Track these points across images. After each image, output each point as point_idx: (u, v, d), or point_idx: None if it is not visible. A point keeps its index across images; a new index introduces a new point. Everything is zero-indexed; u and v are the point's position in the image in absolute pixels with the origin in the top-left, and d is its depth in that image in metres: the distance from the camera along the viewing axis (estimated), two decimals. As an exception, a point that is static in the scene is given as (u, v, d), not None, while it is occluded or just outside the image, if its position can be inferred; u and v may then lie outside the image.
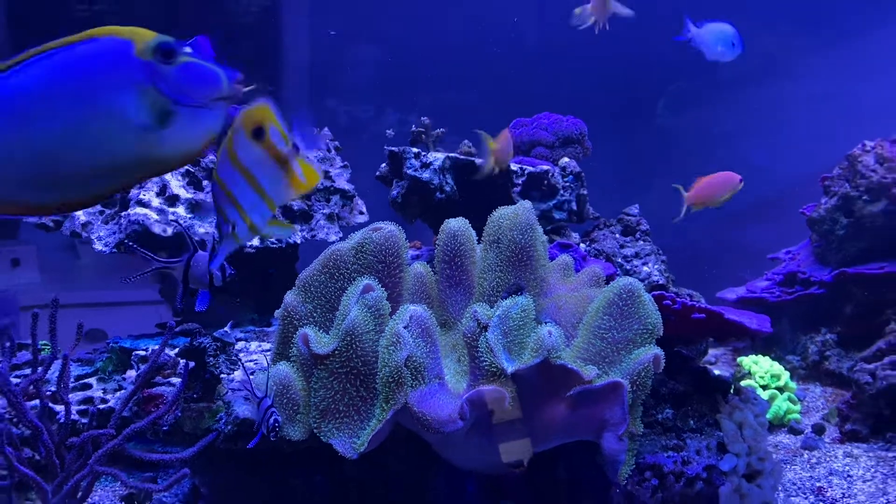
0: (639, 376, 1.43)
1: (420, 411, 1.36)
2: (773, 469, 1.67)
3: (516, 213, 1.62)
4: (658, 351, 1.45)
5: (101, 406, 1.68)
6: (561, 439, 1.50)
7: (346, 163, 2.39)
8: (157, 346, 1.86)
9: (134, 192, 1.95)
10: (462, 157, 2.06)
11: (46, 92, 0.83)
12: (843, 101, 3.42)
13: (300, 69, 3.93)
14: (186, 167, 2.03)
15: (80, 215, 1.97)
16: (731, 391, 1.72)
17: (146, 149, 0.85)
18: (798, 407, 2.15)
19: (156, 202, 1.92)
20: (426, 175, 2.01)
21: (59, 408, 1.62)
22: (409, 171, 2.05)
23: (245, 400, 1.54)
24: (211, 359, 1.51)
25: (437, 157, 2.04)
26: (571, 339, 1.54)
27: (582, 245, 2.02)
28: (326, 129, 2.48)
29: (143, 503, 1.62)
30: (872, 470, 1.80)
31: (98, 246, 1.91)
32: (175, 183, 1.97)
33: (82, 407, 1.69)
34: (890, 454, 1.87)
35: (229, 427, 1.49)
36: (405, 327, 1.38)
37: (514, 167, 2.06)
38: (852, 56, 3.45)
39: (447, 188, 2.02)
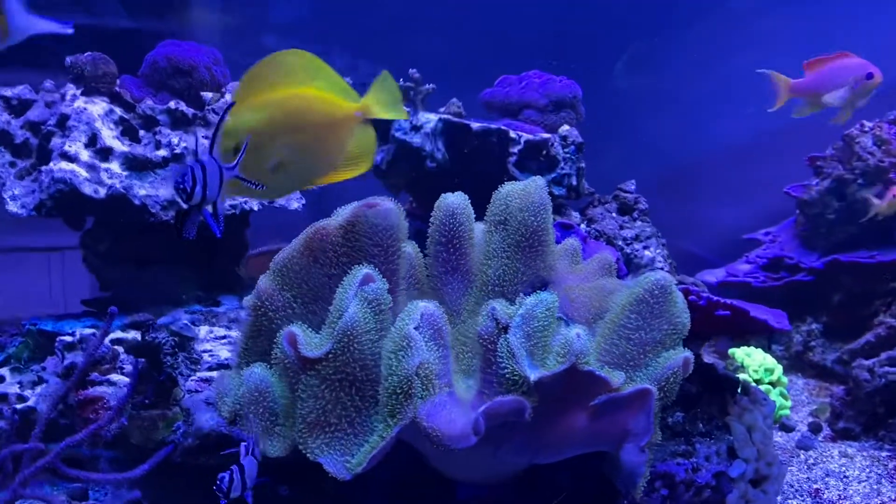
0: (667, 382, 1.29)
1: (430, 426, 1.15)
2: (780, 474, 1.58)
3: (527, 191, 1.41)
4: (688, 354, 1.30)
5: (19, 406, 1.37)
6: (576, 451, 1.34)
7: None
8: (85, 330, 1.56)
9: (56, 141, 1.59)
10: (455, 118, 1.79)
11: None
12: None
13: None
14: (120, 114, 1.68)
15: (-13, 168, 1.59)
16: (739, 390, 1.60)
17: None
18: (789, 402, 2.07)
19: (84, 155, 1.56)
20: (417, 140, 1.73)
21: (-34, 409, 1.32)
22: (398, 135, 1.76)
23: (208, 405, 1.29)
24: (168, 358, 1.24)
25: (429, 118, 1.76)
26: (590, 337, 1.37)
27: (582, 225, 1.83)
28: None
29: (75, 523, 1.35)
30: (867, 470, 1.74)
31: (13, 207, 1.54)
32: (107, 132, 1.62)
33: (-5, 407, 1.38)
34: (883, 454, 1.81)
35: (189, 439, 1.24)
36: (416, 328, 1.16)
37: (511, 134, 1.82)
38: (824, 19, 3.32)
39: (438, 155, 1.74)
